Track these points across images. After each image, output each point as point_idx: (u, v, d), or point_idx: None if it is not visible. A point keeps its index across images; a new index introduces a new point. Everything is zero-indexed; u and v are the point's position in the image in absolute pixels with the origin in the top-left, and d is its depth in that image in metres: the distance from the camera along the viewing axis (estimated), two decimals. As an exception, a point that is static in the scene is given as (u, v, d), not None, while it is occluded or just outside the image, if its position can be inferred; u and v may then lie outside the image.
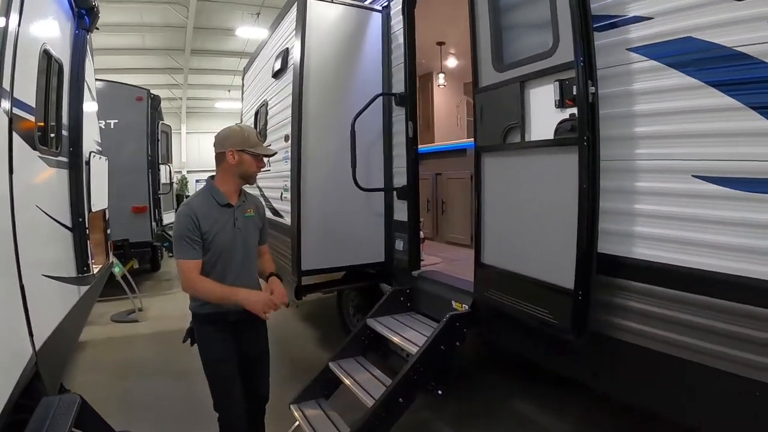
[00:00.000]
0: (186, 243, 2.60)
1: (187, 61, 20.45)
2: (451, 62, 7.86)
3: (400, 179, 4.27)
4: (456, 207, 5.68)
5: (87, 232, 4.01)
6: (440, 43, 7.12)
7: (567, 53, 2.42)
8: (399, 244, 4.31)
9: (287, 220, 4.32)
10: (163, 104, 10.35)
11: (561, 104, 2.49)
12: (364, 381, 3.52)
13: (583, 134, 2.35)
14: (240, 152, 2.67)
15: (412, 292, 4.12)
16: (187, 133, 27.87)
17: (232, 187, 2.75)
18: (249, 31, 16.25)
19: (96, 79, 6.53)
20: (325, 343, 5.90)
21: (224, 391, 2.82)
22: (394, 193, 4.33)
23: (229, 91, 23.55)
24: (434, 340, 3.25)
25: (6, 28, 2.45)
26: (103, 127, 7.62)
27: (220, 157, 2.73)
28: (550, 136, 2.57)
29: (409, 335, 3.61)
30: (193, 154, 27.42)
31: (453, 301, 3.59)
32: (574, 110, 2.42)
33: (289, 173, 4.19)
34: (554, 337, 2.63)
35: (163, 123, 10.24)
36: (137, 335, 6.33)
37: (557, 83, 2.49)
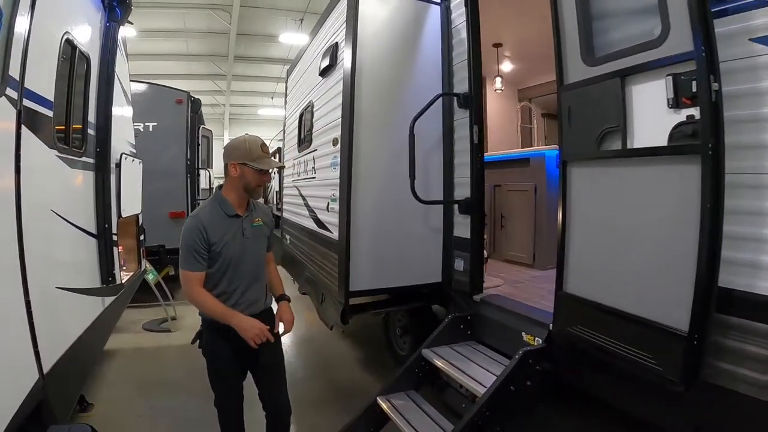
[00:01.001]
0: (191, 255, 2.63)
1: (230, 68, 20.48)
2: (506, 66, 7.36)
3: (462, 191, 3.79)
4: (516, 222, 5.17)
5: (115, 239, 3.74)
6: (497, 45, 6.63)
7: (681, 42, 2.05)
8: (459, 264, 3.83)
9: (334, 234, 3.88)
10: (205, 110, 10.16)
11: (675, 104, 2.09)
12: (418, 423, 3.08)
13: (707, 141, 1.95)
14: (241, 165, 2.67)
15: (473, 318, 3.64)
16: (229, 139, 27.73)
17: (238, 198, 2.75)
18: (292, 38, 16.10)
19: (135, 80, 6.34)
20: (368, 365, 5.47)
21: (224, 398, 2.94)
22: (455, 206, 3.86)
23: (272, 98, 23.56)
24: (504, 380, 2.80)
25: (16, 4, 2.08)
26: (142, 129, 7.57)
27: (226, 168, 2.75)
28: (662, 142, 2.16)
29: (473, 371, 3.15)
30: (238, 160, 27.48)
31: (524, 333, 3.15)
32: (693, 111, 2.03)
33: (337, 181, 3.76)
34: (649, 383, 2.28)
35: (204, 127, 10.00)
36: (168, 347, 6.01)
37: (670, 78, 2.09)
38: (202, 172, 9.53)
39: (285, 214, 6.63)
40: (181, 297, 8.02)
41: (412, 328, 4.86)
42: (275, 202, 18.42)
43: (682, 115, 2.07)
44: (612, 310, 2.39)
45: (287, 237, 6.41)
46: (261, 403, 2.95)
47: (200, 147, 9.41)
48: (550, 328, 2.92)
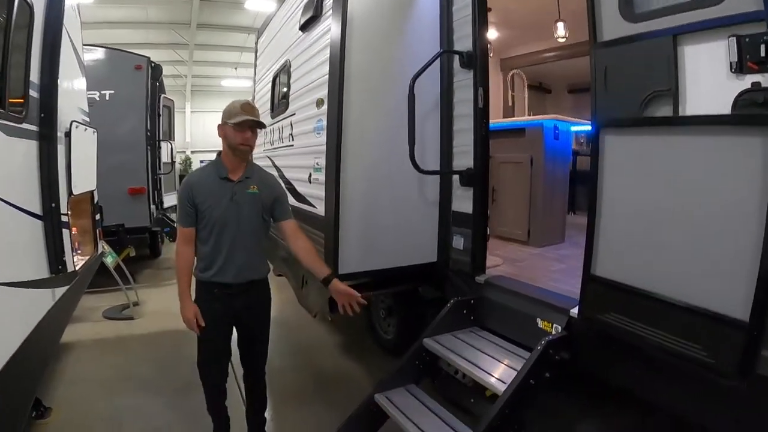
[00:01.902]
0: (181, 210, 2.84)
1: (192, 36, 19.50)
2: (491, 34, 6.95)
3: (462, 161, 3.39)
4: (510, 196, 4.79)
5: (65, 219, 3.23)
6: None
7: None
8: (458, 242, 3.45)
9: (318, 209, 3.43)
10: (167, 82, 9.50)
11: (739, 68, 1.81)
12: (424, 423, 2.70)
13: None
14: (223, 126, 2.77)
15: (476, 302, 3.26)
16: (191, 111, 26.98)
17: (234, 162, 2.82)
18: (259, 3, 15.25)
19: (89, 45, 5.74)
20: (351, 351, 5.10)
21: (206, 359, 2.98)
22: (454, 178, 3.46)
23: (236, 68, 22.65)
24: (526, 375, 2.48)
25: None
26: (97, 98, 7.00)
27: None
28: (723, 110, 1.86)
29: (485, 364, 2.80)
30: (198, 134, 26.59)
31: (539, 319, 2.80)
32: (759, 78, 1.77)
33: (322, 148, 3.31)
34: (688, 374, 2.07)
35: (165, 96, 9.33)
36: (131, 336, 5.49)
37: (733, 40, 1.82)
38: (163, 144, 8.88)
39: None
40: (143, 280, 7.59)
41: (397, 309, 4.51)
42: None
43: (747, 81, 1.79)
44: (654, 296, 2.09)
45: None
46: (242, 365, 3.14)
47: (161, 117, 8.75)
48: (571, 313, 2.61)
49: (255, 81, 6.58)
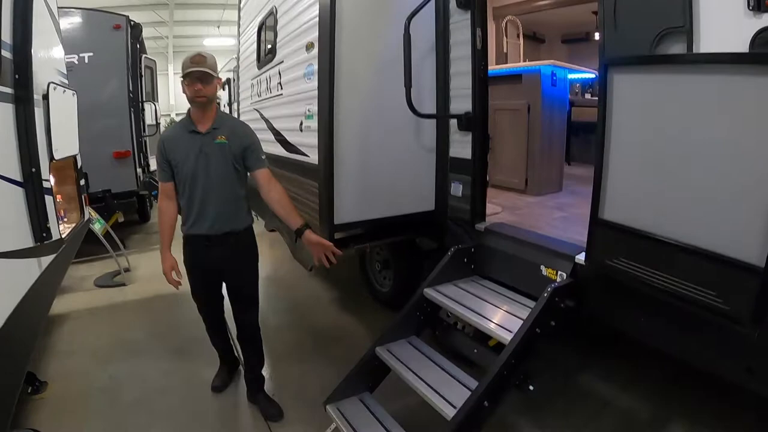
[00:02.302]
0: (159, 166, 2.94)
1: (172, -6, 18.87)
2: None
3: (460, 104, 3.23)
4: (506, 144, 4.64)
5: (47, 185, 3.07)
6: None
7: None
8: (456, 189, 3.33)
9: (311, 157, 3.28)
10: (148, 44, 9.16)
11: (757, 6, 1.73)
12: (428, 374, 2.64)
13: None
14: (181, 82, 2.80)
15: (476, 250, 3.16)
16: (175, 73, 26.25)
17: (197, 113, 2.85)
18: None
19: (64, 7, 5.46)
20: (346, 306, 5.04)
21: (199, 308, 3.28)
22: (452, 123, 3.31)
23: (218, 26, 22.09)
24: (532, 323, 2.40)
25: None
26: (76, 62, 6.73)
27: None
28: (739, 49, 1.77)
29: (489, 313, 2.71)
30: (182, 96, 25.77)
31: (543, 267, 2.72)
32: None
33: (313, 93, 3.13)
34: (699, 322, 2.01)
35: (146, 57, 8.99)
36: (124, 303, 5.37)
37: None
38: (147, 106, 8.60)
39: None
40: (134, 245, 7.46)
41: (394, 262, 4.42)
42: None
43: (765, 20, 1.71)
44: (666, 240, 1.99)
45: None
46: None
47: (144, 78, 8.44)
48: (576, 260, 2.53)
49: (239, 34, 6.32)
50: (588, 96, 6.96)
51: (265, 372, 3.44)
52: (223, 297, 3.24)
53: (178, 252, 3.03)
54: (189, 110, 2.89)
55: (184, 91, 2.80)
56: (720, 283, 1.83)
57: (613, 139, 2.19)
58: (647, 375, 3.49)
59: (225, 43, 21.69)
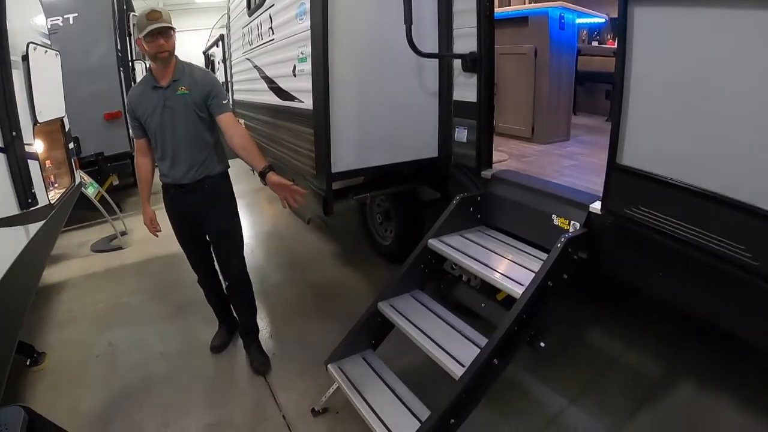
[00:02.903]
0: (131, 125, 3.03)
1: (161, -53, 18.17)
2: None
3: (464, 44, 3.00)
4: (511, 90, 4.40)
5: (31, 149, 2.99)
6: None
7: None
8: (461, 134, 3.13)
9: (306, 102, 3.06)
10: (137, 4, 8.72)
11: None
12: (434, 331, 2.50)
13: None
14: (139, 41, 2.75)
15: (483, 199, 2.99)
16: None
17: (158, 69, 2.83)
18: None
19: None
20: (348, 260, 4.91)
21: (186, 255, 3.31)
22: (456, 64, 3.09)
23: (210, -18, 21.35)
24: (544, 276, 2.24)
25: None
26: (61, 23, 6.46)
27: None
28: None
29: (499, 265, 2.54)
30: (177, 54, 25.40)
31: (554, 216, 2.54)
32: None
33: (306, 33, 2.89)
34: (727, 278, 1.80)
35: (134, 15, 8.62)
36: (122, 267, 5.25)
37: None
38: (137, 65, 8.29)
39: (236, 96, 5.67)
40: (130, 208, 7.30)
41: (395, 213, 4.27)
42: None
43: None
44: (691, 188, 1.82)
45: (241, 122, 5.52)
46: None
47: (132, 37, 8.12)
48: (591, 208, 2.34)
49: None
50: (595, 44, 6.67)
51: (265, 329, 3.35)
52: (208, 245, 3.24)
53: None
54: (148, 68, 2.91)
55: (143, 50, 2.79)
56: (750, 237, 1.68)
57: (634, 76, 1.99)
58: (655, 330, 3.38)
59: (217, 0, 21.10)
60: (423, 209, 3.99)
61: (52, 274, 4.97)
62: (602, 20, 5.33)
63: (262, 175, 2.79)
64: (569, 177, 3.10)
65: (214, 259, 3.28)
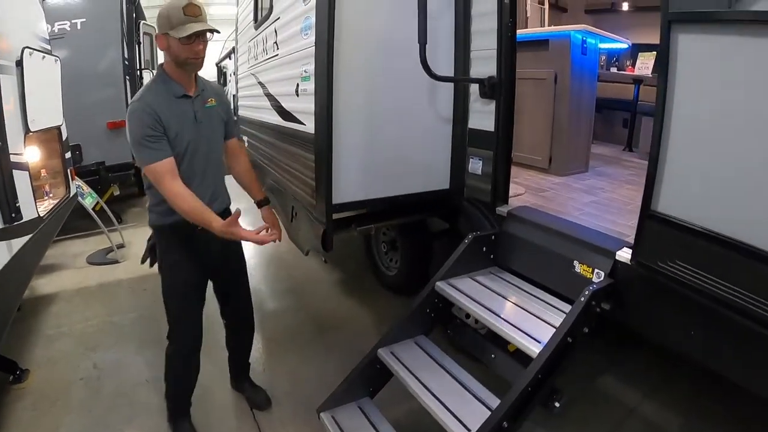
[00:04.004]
0: (150, 143, 2.17)
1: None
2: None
3: (482, 68, 2.77)
4: (529, 117, 4.15)
5: (20, 159, 2.87)
6: None
7: None
8: (475, 166, 2.89)
9: (308, 126, 2.82)
10: (151, 14, 8.55)
11: None
12: (439, 387, 2.25)
13: None
14: (166, 37, 2.19)
15: (497, 238, 2.74)
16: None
17: (183, 75, 2.29)
18: None
19: None
20: (351, 289, 4.65)
21: (184, 319, 2.56)
22: (472, 89, 2.86)
23: (224, -6, 21.37)
24: (566, 333, 2.00)
25: None
26: (68, 28, 6.33)
27: None
28: None
29: (514, 317, 2.29)
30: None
31: (576, 262, 2.29)
32: None
33: (310, 49, 2.66)
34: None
35: (145, 23, 8.49)
36: (116, 282, 5.00)
37: None
38: (145, 73, 8.14)
39: (241, 112, 5.47)
40: (132, 219, 7.09)
41: (402, 243, 4.03)
42: (232, 107, 16.91)
43: None
44: (741, 245, 1.59)
45: (245, 139, 5.31)
46: (222, 317, 2.91)
47: (142, 45, 7.96)
48: (617, 256, 2.12)
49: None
50: (614, 70, 6.46)
51: (258, 362, 3.13)
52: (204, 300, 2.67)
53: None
54: (164, 69, 2.29)
55: (165, 49, 2.22)
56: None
57: (676, 112, 1.78)
58: (673, 380, 3.14)
59: (233, 11, 21.06)
60: (431, 239, 3.76)
61: (44, 285, 4.78)
62: (625, 45, 5.12)
63: (260, 204, 2.65)
64: (590, 216, 2.86)
65: (221, 306, 2.87)
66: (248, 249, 5.58)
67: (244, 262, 2.79)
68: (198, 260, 2.47)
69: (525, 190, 3.35)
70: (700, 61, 1.69)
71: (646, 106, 5.39)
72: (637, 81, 5.54)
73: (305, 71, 2.81)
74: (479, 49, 2.79)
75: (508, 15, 2.61)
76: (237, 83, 6.09)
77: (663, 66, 1.79)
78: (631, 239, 2.27)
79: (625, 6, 6.29)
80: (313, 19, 2.62)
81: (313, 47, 2.60)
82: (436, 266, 3.58)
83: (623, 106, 5.68)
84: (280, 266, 5.24)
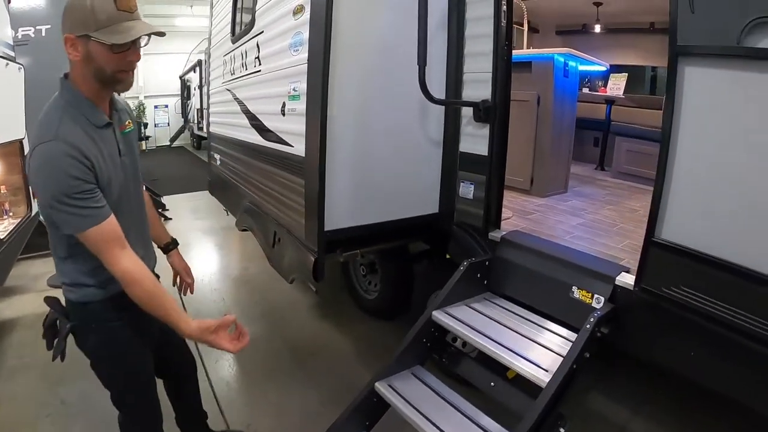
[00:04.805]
0: (83, 199, 1.48)
1: (141, -33, 17.86)
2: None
3: (475, 91, 2.74)
4: (511, 140, 4.08)
5: None
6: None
7: None
8: (466, 190, 2.84)
9: (296, 148, 2.73)
10: None
11: None
12: (445, 422, 2.15)
13: None
14: (83, 39, 1.48)
15: (491, 264, 2.68)
16: (144, 54, 25.16)
17: (104, 96, 1.64)
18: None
19: None
20: (329, 312, 4.48)
21: (139, 395, 2.00)
22: (464, 112, 2.82)
23: (191, 6, 21.06)
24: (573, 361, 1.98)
25: None
26: (32, 35, 5.92)
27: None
28: None
29: (517, 346, 2.22)
30: (152, 78, 24.92)
31: (575, 288, 2.27)
32: None
33: (301, 67, 2.57)
34: None
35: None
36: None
37: None
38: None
39: (212, 129, 5.30)
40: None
41: (381, 265, 3.93)
42: (196, 122, 16.53)
43: None
44: (747, 272, 1.63)
45: (216, 157, 5.14)
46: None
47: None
48: (617, 281, 2.12)
49: (212, 5, 5.70)
50: (586, 90, 6.56)
51: (238, 396, 3.02)
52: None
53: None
54: (69, 83, 1.61)
55: (83, 56, 1.52)
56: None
57: (682, 142, 1.79)
58: (660, 395, 3.14)
59: (198, 24, 20.72)
60: (412, 262, 3.68)
61: (3, 310, 4.45)
62: (604, 68, 5.19)
63: (167, 249, 2.22)
64: (581, 240, 2.85)
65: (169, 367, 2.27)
66: (216, 270, 5.44)
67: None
68: (142, 337, 1.92)
69: (512, 213, 3.31)
70: (706, 93, 1.71)
71: (617, 126, 5.48)
72: (609, 101, 5.63)
73: (294, 89, 2.71)
74: (473, 72, 2.76)
75: (504, 38, 2.59)
76: (207, 98, 5.94)
77: (669, 97, 1.80)
78: (625, 263, 2.33)
79: (597, 28, 6.36)
80: (306, 35, 2.54)
81: (305, 65, 2.51)
82: (418, 289, 3.53)
83: (595, 125, 5.76)
84: (253, 290, 5.03)
